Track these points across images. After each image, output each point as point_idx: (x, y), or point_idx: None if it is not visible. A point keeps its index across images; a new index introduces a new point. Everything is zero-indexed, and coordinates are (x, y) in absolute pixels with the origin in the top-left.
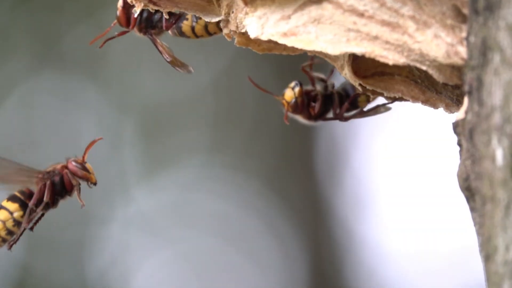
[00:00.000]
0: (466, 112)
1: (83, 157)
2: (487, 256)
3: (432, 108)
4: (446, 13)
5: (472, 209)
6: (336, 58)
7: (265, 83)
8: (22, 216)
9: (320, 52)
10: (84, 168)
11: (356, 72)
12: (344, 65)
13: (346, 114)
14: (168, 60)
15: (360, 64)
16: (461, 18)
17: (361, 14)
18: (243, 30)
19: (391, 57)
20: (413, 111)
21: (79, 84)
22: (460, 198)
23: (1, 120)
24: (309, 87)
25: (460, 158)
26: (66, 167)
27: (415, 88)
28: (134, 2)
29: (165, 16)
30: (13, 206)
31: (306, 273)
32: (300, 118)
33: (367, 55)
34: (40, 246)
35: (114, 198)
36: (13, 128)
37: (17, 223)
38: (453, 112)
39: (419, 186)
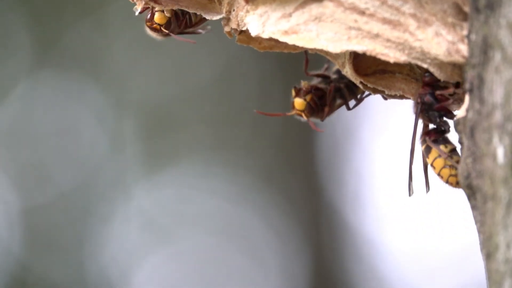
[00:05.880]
0: (467, 110)
1: None
2: (488, 254)
3: None
4: (447, 11)
5: (473, 207)
6: (337, 56)
7: (266, 81)
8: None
9: (321, 50)
10: None
11: (357, 70)
12: (345, 63)
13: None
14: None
15: (361, 62)
16: (462, 16)
17: (362, 12)
18: (244, 28)
19: (392, 55)
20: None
21: (79, 83)
22: (461, 196)
23: (1, 118)
24: (315, 84)
25: (461, 156)
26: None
27: (416, 86)
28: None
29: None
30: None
31: (307, 272)
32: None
33: (368, 53)
34: (40, 245)
35: (114, 197)
36: (13, 126)
37: None
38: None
39: (419, 184)
